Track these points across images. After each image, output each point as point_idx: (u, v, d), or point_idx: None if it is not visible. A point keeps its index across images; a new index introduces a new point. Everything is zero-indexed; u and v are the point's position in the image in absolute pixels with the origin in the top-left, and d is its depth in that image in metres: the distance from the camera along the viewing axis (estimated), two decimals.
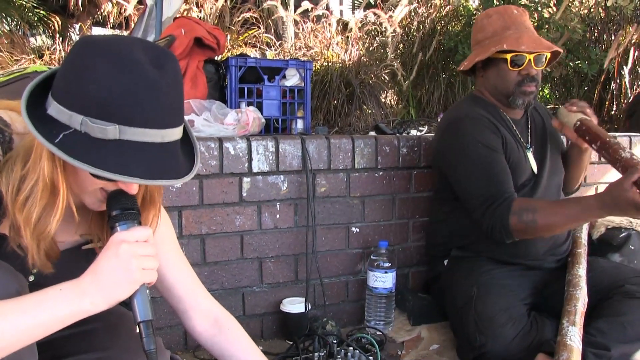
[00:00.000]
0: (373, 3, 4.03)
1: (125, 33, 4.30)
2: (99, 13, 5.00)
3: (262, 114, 2.30)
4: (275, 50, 3.68)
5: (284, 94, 2.46)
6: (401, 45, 3.69)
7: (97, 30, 5.04)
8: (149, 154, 0.93)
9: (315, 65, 3.22)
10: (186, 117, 1.56)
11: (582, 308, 1.78)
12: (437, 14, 3.66)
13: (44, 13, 4.54)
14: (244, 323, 2.02)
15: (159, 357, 1.01)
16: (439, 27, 3.62)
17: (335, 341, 1.84)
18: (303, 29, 3.75)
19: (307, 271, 2.09)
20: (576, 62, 3.43)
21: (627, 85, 3.69)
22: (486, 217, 1.82)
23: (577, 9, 3.68)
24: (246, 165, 2.00)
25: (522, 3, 3.31)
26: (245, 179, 2.00)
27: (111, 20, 4.71)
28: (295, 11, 3.82)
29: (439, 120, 2.56)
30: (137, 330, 0.98)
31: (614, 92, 3.73)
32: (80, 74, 0.91)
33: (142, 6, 3.45)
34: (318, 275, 2.10)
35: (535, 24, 3.32)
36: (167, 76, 0.94)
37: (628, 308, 1.78)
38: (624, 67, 3.63)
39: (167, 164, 0.97)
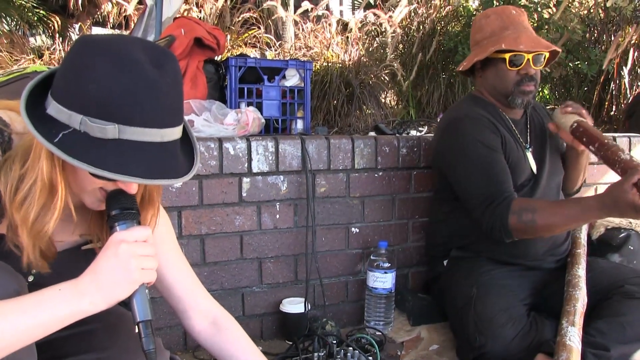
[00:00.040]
0: (373, 3, 4.03)
1: (125, 33, 4.30)
2: (98, 13, 5.00)
3: (261, 114, 2.30)
4: (275, 50, 3.68)
5: (283, 94, 2.46)
6: (401, 46, 3.69)
7: (96, 30, 5.04)
8: (149, 153, 0.93)
9: (315, 65, 3.22)
10: (186, 117, 1.56)
11: (581, 308, 1.78)
12: (437, 15, 3.66)
13: (44, 13, 4.54)
14: (244, 323, 2.02)
15: (158, 357, 1.01)
16: (438, 28, 3.62)
17: (334, 341, 1.84)
18: (303, 29, 3.75)
19: (307, 271, 2.09)
20: (576, 63, 3.43)
21: (627, 85, 3.69)
22: (486, 217, 1.83)
23: (576, 9, 3.68)
24: (246, 165, 2.00)
25: (522, 4, 3.31)
26: (245, 179, 2.00)
27: (111, 20, 4.71)
28: (295, 11, 3.82)
29: (438, 120, 2.56)
30: (136, 330, 0.98)
31: (614, 93, 3.74)
32: (79, 73, 0.91)
33: (142, 6, 3.45)
34: (318, 276, 2.10)
35: (535, 24, 3.32)
36: (166, 76, 0.94)
37: (627, 308, 1.78)
38: (624, 67, 3.63)
39: (166, 163, 0.96)
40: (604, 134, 1.86)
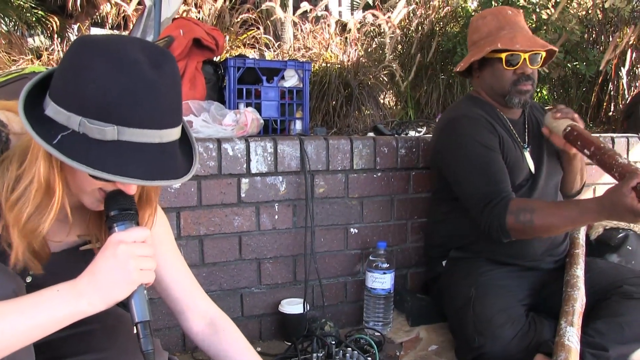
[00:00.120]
0: (372, 4, 4.03)
1: (124, 34, 4.30)
2: (97, 14, 5.00)
3: (260, 114, 2.30)
4: (274, 51, 3.68)
5: (282, 94, 2.46)
6: (400, 47, 3.69)
7: (95, 31, 5.04)
8: (148, 154, 0.93)
9: (314, 66, 3.22)
10: (185, 118, 1.56)
11: (580, 309, 1.78)
12: (436, 15, 3.66)
13: (42, 13, 4.55)
14: (243, 324, 2.03)
15: (156, 357, 1.01)
16: (437, 29, 3.62)
17: (333, 342, 1.84)
18: (302, 30, 3.75)
19: (306, 272, 2.09)
20: (574, 64, 3.44)
21: (625, 86, 3.69)
22: (484, 216, 1.83)
23: (575, 10, 3.69)
24: (245, 166, 2.00)
25: (520, 4, 3.31)
26: (244, 180, 2.00)
27: (110, 21, 4.71)
28: (294, 12, 3.83)
29: (437, 120, 2.57)
30: (135, 331, 0.98)
31: (612, 94, 3.74)
32: (78, 74, 0.91)
33: (140, 7, 3.45)
34: (317, 276, 2.10)
35: (534, 25, 3.32)
36: (165, 76, 0.94)
37: (626, 309, 1.78)
38: (622, 68, 3.63)
39: (165, 164, 0.96)
40: (597, 138, 1.86)
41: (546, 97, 4.11)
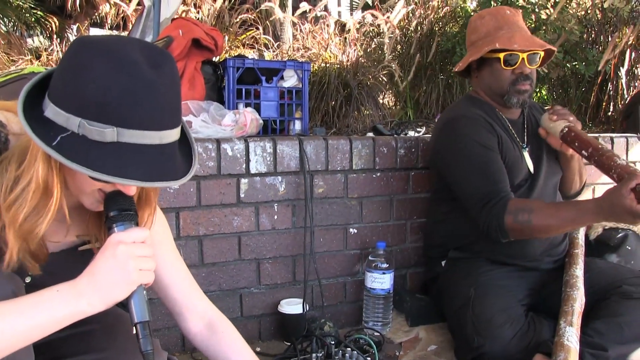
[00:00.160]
0: (371, 4, 4.03)
1: (123, 34, 4.30)
2: (96, 14, 5.00)
3: (259, 115, 2.30)
4: (273, 51, 3.68)
5: (281, 95, 2.46)
6: (399, 47, 3.69)
7: (94, 31, 5.04)
8: (147, 156, 0.93)
9: (313, 66, 3.22)
10: (184, 118, 1.56)
11: (579, 309, 1.78)
12: (435, 16, 3.66)
13: (42, 14, 4.54)
14: (242, 324, 2.03)
15: (155, 358, 1.01)
16: (436, 29, 3.62)
17: (333, 342, 1.84)
18: (301, 30, 3.75)
19: (305, 272, 2.09)
20: (573, 64, 3.44)
21: (624, 86, 3.70)
22: (482, 216, 1.83)
23: (574, 10, 3.69)
24: (244, 166, 2.00)
25: (520, 4, 3.31)
26: (243, 180, 2.00)
27: (109, 21, 4.71)
28: (293, 12, 3.83)
29: (436, 121, 2.57)
30: (134, 332, 0.98)
31: (611, 93, 3.74)
32: (77, 74, 0.91)
33: (140, 7, 3.45)
34: (316, 276, 2.10)
35: (533, 25, 3.32)
36: (164, 77, 0.94)
37: (625, 309, 1.78)
38: (621, 68, 3.64)
39: (165, 165, 0.96)
40: (595, 139, 1.86)
41: (545, 97, 4.11)
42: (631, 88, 3.74)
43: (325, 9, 3.76)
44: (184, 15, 3.55)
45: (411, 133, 2.65)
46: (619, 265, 2.21)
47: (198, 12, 3.85)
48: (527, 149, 2.04)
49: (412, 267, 2.35)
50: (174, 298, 1.29)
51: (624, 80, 3.67)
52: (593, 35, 3.78)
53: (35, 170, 0.96)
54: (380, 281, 2.10)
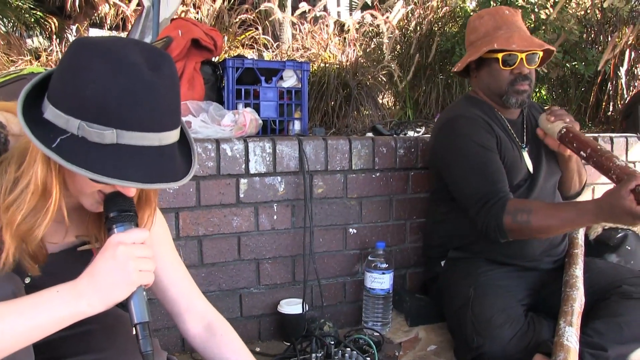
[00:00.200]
0: (370, 4, 4.03)
1: (122, 34, 4.30)
2: (96, 14, 5.00)
3: (259, 115, 2.30)
4: (273, 51, 3.68)
5: (281, 95, 2.46)
6: (398, 47, 3.69)
7: (94, 32, 5.04)
8: (147, 157, 0.93)
9: (313, 66, 3.22)
10: (183, 119, 1.56)
11: (579, 309, 1.78)
12: (434, 16, 3.66)
13: (41, 14, 4.54)
14: (242, 324, 2.04)
15: (155, 358, 1.01)
16: (436, 29, 3.62)
17: (332, 342, 1.84)
18: (300, 31, 3.75)
19: (305, 272, 2.09)
20: (573, 63, 3.44)
21: (624, 86, 3.70)
22: (481, 216, 1.83)
23: (573, 10, 3.69)
24: (243, 166, 2.00)
25: (519, 4, 3.32)
26: (243, 180, 2.00)
27: (108, 22, 4.71)
28: (292, 13, 3.83)
29: (435, 121, 2.57)
30: (134, 332, 0.98)
31: (611, 93, 3.74)
32: (76, 75, 0.91)
33: (139, 8, 3.45)
34: (315, 276, 2.10)
35: (532, 25, 3.32)
36: (163, 78, 0.94)
37: (625, 309, 1.78)
38: (620, 68, 3.64)
39: (164, 167, 0.97)
40: (594, 140, 1.86)
41: (545, 97, 4.11)
42: (631, 88, 3.75)
43: (325, 9, 3.76)
44: (183, 15, 3.55)
45: (410, 133, 2.65)
46: (619, 265, 2.21)
47: (197, 13, 3.85)
48: (526, 148, 2.04)
49: (411, 267, 2.35)
50: (173, 299, 1.29)
51: (623, 80, 3.68)
52: (592, 35, 3.79)
53: (34, 172, 0.96)
54: (380, 281, 2.10)
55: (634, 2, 3.53)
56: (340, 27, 3.78)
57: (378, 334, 2.05)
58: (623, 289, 1.84)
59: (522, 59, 1.93)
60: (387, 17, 3.54)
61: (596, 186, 2.65)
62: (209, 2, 3.85)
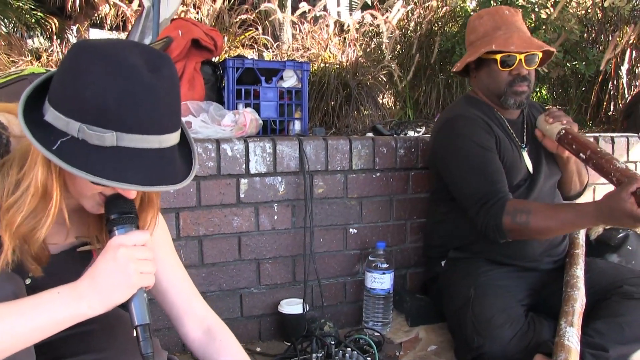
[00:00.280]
0: (370, 4, 4.03)
1: (122, 35, 4.31)
2: (96, 15, 5.00)
3: (259, 115, 2.30)
4: (273, 51, 3.68)
5: (281, 95, 2.46)
6: (398, 47, 3.69)
7: (94, 32, 5.05)
8: (147, 160, 0.93)
9: (313, 66, 3.22)
10: (184, 119, 1.56)
11: (579, 309, 1.78)
12: (434, 15, 3.66)
13: (42, 15, 4.55)
14: (242, 324, 2.04)
15: (156, 358, 1.01)
16: (436, 28, 3.62)
17: (333, 342, 1.84)
18: (300, 31, 3.75)
19: (305, 272, 2.09)
20: (573, 63, 3.44)
21: (625, 85, 3.69)
22: (480, 216, 1.83)
23: (574, 9, 3.69)
24: (243, 166, 2.00)
25: (519, 4, 3.31)
26: (243, 181, 2.00)
27: (109, 22, 4.71)
28: (292, 13, 3.83)
29: (435, 121, 2.57)
30: (134, 334, 0.98)
31: (612, 93, 3.74)
32: (76, 78, 0.91)
33: (139, 8, 3.45)
34: (316, 277, 2.10)
35: (533, 24, 3.32)
36: (163, 80, 0.94)
37: (626, 309, 1.78)
38: (621, 67, 3.63)
39: (164, 169, 0.96)
40: (593, 141, 1.86)
41: (545, 97, 4.11)
42: (632, 87, 3.74)
43: (325, 9, 3.76)
44: (183, 15, 3.55)
45: (411, 133, 2.65)
46: (620, 265, 2.20)
47: (197, 13, 3.85)
48: (526, 149, 2.03)
49: (412, 267, 2.35)
50: (172, 302, 1.28)
51: (624, 80, 3.67)
52: (593, 35, 3.78)
53: (34, 174, 0.96)
54: (380, 281, 2.10)
55: (635, 1, 3.52)
56: (340, 27, 3.78)
57: (378, 334, 2.05)
58: (624, 289, 1.83)
59: (520, 60, 1.93)
60: (387, 17, 3.54)
61: (597, 186, 2.65)
62: (209, 2, 3.85)
